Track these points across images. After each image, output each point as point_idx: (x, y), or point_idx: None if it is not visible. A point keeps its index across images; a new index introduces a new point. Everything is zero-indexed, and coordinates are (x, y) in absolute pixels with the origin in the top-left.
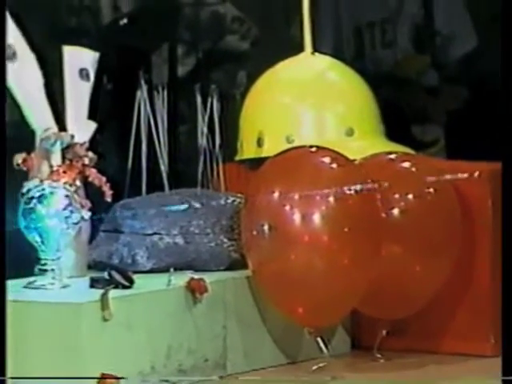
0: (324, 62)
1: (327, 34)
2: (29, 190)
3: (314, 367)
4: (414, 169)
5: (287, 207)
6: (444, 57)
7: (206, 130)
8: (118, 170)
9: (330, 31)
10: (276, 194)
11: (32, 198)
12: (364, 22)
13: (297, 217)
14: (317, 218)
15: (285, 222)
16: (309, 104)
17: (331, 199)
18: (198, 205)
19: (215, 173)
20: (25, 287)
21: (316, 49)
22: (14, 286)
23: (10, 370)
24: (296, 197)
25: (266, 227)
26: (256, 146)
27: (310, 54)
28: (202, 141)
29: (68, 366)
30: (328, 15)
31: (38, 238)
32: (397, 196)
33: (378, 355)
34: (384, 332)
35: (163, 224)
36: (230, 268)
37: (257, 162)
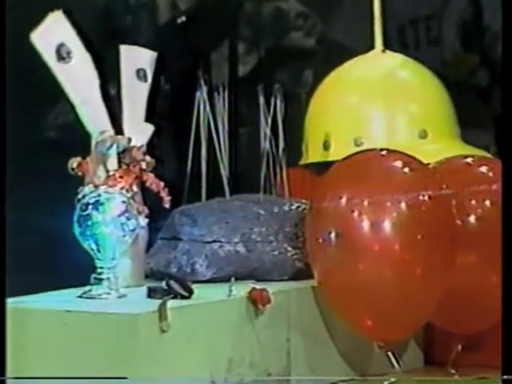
0: (396, 59)
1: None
2: (84, 196)
3: (385, 383)
4: (491, 173)
5: (355, 214)
6: (494, 55)
7: (269, 132)
8: (177, 175)
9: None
10: (343, 200)
11: (87, 204)
12: (407, 19)
13: (366, 224)
14: (387, 225)
15: (353, 230)
16: (379, 104)
17: (403, 205)
18: (260, 211)
19: (278, 177)
20: (79, 297)
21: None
22: (67, 296)
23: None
24: (365, 203)
25: (332, 235)
26: (322, 149)
27: (380, 52)
28: (265, 144)
29: (123, 374)
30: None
31: (93, 246)
32: (473, 202)
33: (453, 371)
34: (459, 347)
35: (224, 231)
36: (294, 278)
37: (323, 167)
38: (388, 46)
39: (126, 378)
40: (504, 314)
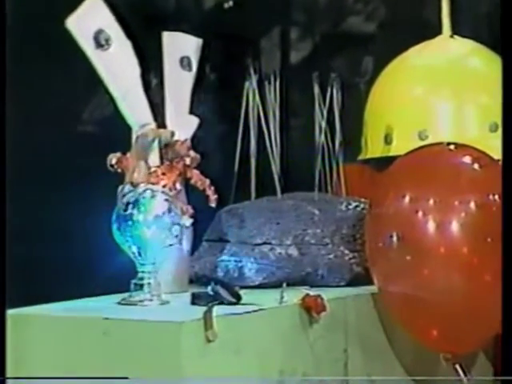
0: (465, 46)
1: (463, 15)
2: (124, 195)
3: None
4: None
5: (420, 214)
6: None
7: (324, 124)
8: (224, 172)
9: (467, 12)
10: (407, 199)
11: (127, 203)
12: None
13: (431, 226)
14: (454, 226)
15: (417, 232)
16: (446, 95)
17: (472, 205)
18: (314, 211)
19: (335, 174)
20: (118, 303)
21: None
22: (106, 302)
23: None
24: (430, 202)
25: (394, 237)
26: (383, 143)
27: (448, 37)
28: (320, 137)
29: None
30: None
31: (134, 249)
32: None
33: None
34: None
35: (274, 232)
36: (351, 283)
37: (384, 162)
38: (486, 31)
39: (126, 378)
40: (504, 315)
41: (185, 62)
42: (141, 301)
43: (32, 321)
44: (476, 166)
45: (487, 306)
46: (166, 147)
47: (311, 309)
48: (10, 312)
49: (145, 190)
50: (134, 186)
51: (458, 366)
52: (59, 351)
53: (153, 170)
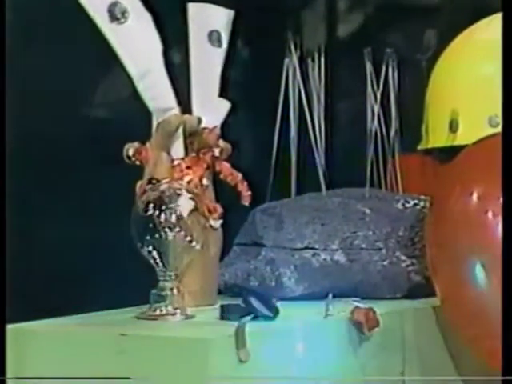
0: None
1: None
2: (143, 192)
3: None
4: None
5: (490, 215)
6: None
7: (377, 109)
8: (259, 165)
9: None
10: (475, 197)
11: (148, 202)
12: None
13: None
14: None
15: (486, 235)
16: None
17: None
18: (365, 210)
19: (390, 167)
20: (137, 318)
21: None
22: (123, 316)
23: None
24: (502, 200)
25: (460, 241)
26: (448, 130)
27: None
28: (373, 124)
29: None
30: None
31: (154, 254)
32: None
33: None
34: None
35: (318, 235)
36: (409, 295)
37: (448, 153)
38: None
39: (129, 378)
40: (504, 314)
41: (214, 37)
42: (162, 315)
43: (36, 336)
44: None
45: None
46: (192, 136)
47: (362, 324)
48: (10, 327)
49: (167, 187)
50: (155, 181)
51: None
52: (67, 371)
53: (176, 162)
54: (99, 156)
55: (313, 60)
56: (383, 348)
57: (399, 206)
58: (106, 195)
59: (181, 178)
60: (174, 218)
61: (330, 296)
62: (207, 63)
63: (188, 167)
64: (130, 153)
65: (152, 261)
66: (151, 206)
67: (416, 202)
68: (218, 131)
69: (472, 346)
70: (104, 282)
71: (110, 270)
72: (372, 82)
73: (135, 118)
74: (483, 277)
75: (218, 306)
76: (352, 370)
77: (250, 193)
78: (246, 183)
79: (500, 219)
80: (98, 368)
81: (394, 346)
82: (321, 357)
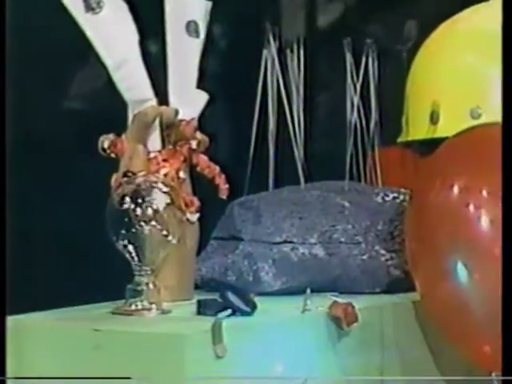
0: None
1: None
2: (119, 185)
3: None
4: None
5: (471, 208)
6: None
7: (357, 100)
8: (236, 157)
9: None
10: (456, 190)
11: (123, 195)
12: None
13: (484, 222)
14: None
15: (467, 229)
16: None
17: None
18: (344, 203)
19: (369, 160)
20: (113, 313)
21: None
22: (97, 311)
23: None
24: (484, 194)
25: (440, 235)
26: (428, 122)
27: None
28: (353, 116)
29: None
30: None
31: (130, 248)
32: None
33: None
34: None
35: (297, 229)
36: (388, 290)
37: (429, 145)
38: None
39: (129, 378)
40: (504, 314)
41: (191, 28)
42: (138, 310)
43: (10, 332)
44: None
45: None
46: (169, 128)
47: (340, 319)
48: None
49: (143, 180)
50: (131, 174)
51: None
52: (42, 366)
53: (153, 155)
54: (74, 148)
55: (292, 51)
56: (362, 343)
57: (379, 199)
58: (81, 188)
59: (157, 171)
60: (150, 212)
61: (309, 291)
62: (184, 54)
63: (164, 160)
64: (105, 145)
65: (127, 255)
66: (127, 199)
67: (396, 195)
68: (195, 123)
69: (453, 341)
70: (79, 276)
71: (85, 264)
72: (352, 73)
73: (110, 110)
74: (464, 271)
75: (194, 300)
76: (331, 366)
77: (227, 186)
78: (223, 176)
79: (482, 212)
80: (74, 363)
81: (373, 341)
82: (299, 352)
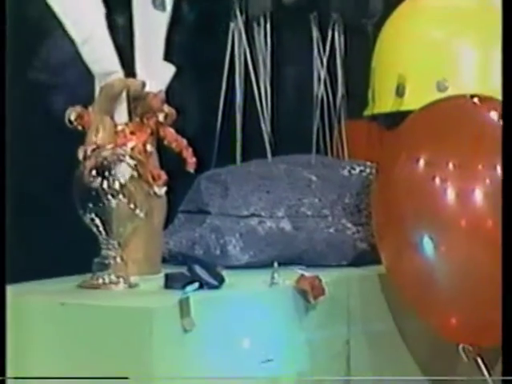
0: None
1: None
2: (85, 158)
3: None
4: None
5: (437, 181)
6: None
7: (324, 74)
8: (204, 130)
9: None
10: (421, 163)
11: (90, 168)
12: None
13: (450, 195)
14: (478, 195)
15: (433, 202)
16: (470, 38)
17: (498, 170)
18: (311, 177)
19: (336, 133)
20: (79, 286)
21: None
22: (64, 285)
23: None
24: (450, 167)
25: (406, 208)
26: (394, 95)
27: None
28: (319, 89)
29: None
30: None
31: (97, 222)
32: None
33: None
34: None
35: (264, 203)
36: (355, 263)
37: (395, 118)
38: None
39: (127, 378)
40: (503, 313)
41: (158, 1)
42: (105, 283)
43: None
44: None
45: None
46: (136, 100)
47: (307, 292)
48: None
49: (110, 153)
50: (97, 147)
51: (479, 361)
52: (16, 339)
53: (119, 128)
54: (38, 120)
55: (258, 24)
56: (329, 316)
57: (345, 172)
58: (48, 160)
59: (124, 144)
60: (117, 185)
61: (276, 264)
62: (151, 27)
63: (132, 133)
64: (72, 117)
65: (95, 229)
66: (93, 172)
67: (362, 168)
68: (162, 96)
69: (419, 314)
70: (45, 249)
71: (52, 237)
72: (318, 47)
73: (77, 82)
74: (430, 244)
75: (162, 274)
76: (298, 339)
77: (194, 159)
78: (190, 149)
79: (448, 185)
80: (40, 337)
81: (340, 314)
82: (266, 325)
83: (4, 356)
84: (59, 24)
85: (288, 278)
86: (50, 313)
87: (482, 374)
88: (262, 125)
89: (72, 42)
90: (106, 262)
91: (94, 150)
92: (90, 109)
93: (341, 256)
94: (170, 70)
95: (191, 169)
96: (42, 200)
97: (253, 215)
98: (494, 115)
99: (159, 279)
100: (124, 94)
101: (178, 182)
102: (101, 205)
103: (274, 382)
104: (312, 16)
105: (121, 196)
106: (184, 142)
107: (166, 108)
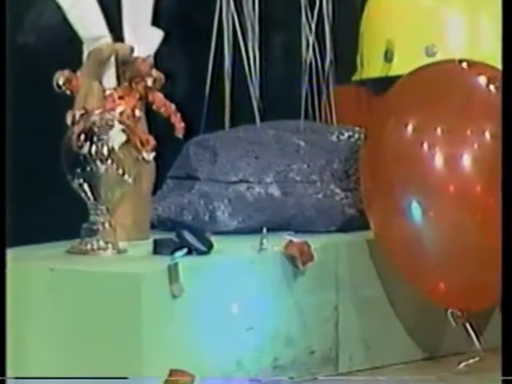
0: None
1: None
2: (73, 123)
3: (461, 365)
4: None
5: (425, 146)
6: None
7: (312, 39)
8: (192, 95)
9: None
10: (410, 128)
11: (79, 133)
12: None
13: (438, 160)
14: (466, 161)
15: (422, 167)
16: (458, 4)
17: (487, 135)
18: (300, 142)
19: (324, 98)
20: (68, 252)
21: None
22: (52, 250)
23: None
24: (438, 132)
25: (394, 174)
26: (383, 60)
27: None
28: (308, 54)
29: (124, 357)
30: None
31: (86, 187)
32: None
33: None
34: None
35: (253, 169)
36: (343, 228)
37: (383, 83)
38: None
39: (126, 378)
40: (503, 313)
41: None
42: (93, 249)
43: None
44: (492, 87)
45: None
46: (124, 65)
47: (296, 258)
48: None
49: (99, 118)
50: (86, 112)
51: (468, 325)
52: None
53: (108, 92)
54: (27, 83)
55: None
56: (317, 282)
57: (334, 138)
58: (36, 125)
59: (113, 109)
60: (105, 150)
61: (265, 230)
62: None
63: (120, 97)
64: (60, 81)
65: (83, 194)
66: (82, 137)
67: (350, 134)
68: (151, 60)
69: (408, 279)
70: (34, 215)
71: (40, 202)
72: (306, 12)
73: (65, 46)
74: (418, 209)
75: (150, 240)
76: (286, 305)
77: (183, 124)
78: (179, 115)
79: (436, 150)
80: (29, 303)
81: (328, 280)
82: (255, 291)
83: (4, 356)
84: None
85: (276, 243)
86: (39, 278)
87: (471, 339)
88: (251, 90)
89: (59, 7)
90: (95, 227)
91: (82, 115)
92: (79, 73)
93: (329, 222)
94: (158, 35)
95: (180, 134)
96: (29, 166)
97: (241, 181)
98: (483, 80)
99: (148, 245)
100: (112, 59)
101: (167, 148)
102: (89, 170)
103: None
104: None
105: (109, 161)
106: (173, 107)
107: (155, 73)
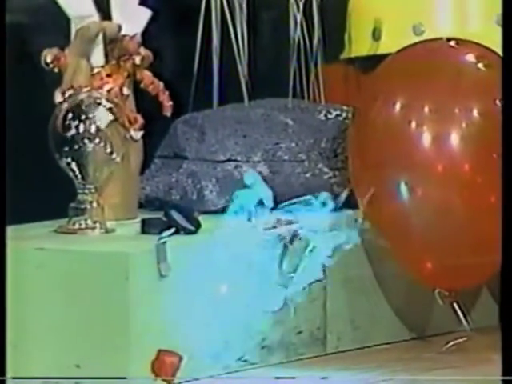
0: None
1: None
2: (61, 101)
3: (449, 345)
4: None
5: (413, 125)
6: None
7: (300, 17)
8: (180, 74)
9: None
10: (398, 107)
11: (66, 111)
12: None
13: (426, 138)
14: (454, 139)
15: (410, 146)
16: None
17: (475, 113)
18: (288, 121)
19: (312, 76)
20: (55, 231)
21: None
22: (40, 230)
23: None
24: (426, 110)
25: (383, 152)
26: (370, 38)
27: None
28: (296, 33)
29: (112, 336)
30: None
31: (73, 165)
32: None
33: None
34: None
35: (241, 147)
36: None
37: (371, 62)
38: None
39: (124, 378)
40: (503, 313)
41: None
42: (81, 228)
43: None
44: (480, 65)
45: (492, 233)
46: (112, 43)
47: (284, 237)
48: None
49: (86, 96)
50: (74, 90)
51: (455, 305)
52: None
53: (96, 70)
54: (15, 61)
55: None
56: (305, 261)
57: (322, 116)
58: (23, 103)
59: (101, 87)
60: (93, 129)
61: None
62: None
63: (108, 75)
64: (48, 59)
65: (71, 173)
66: (69, 115)
67: (338, 112)
68: (138, 38)
69: (396, 258)
70: (21, 194)
71: (28, 182)
72: None
73: (53, 24)
74: (406, 188)
75: (138, 219)
76: (273, 284)
77: (171, 103)
78: (167, 93)
79: (424, 129)
80: (18, 282)
81: (316, 259)
82: (243, 270)
83: (4, 356)
84: None
85: (265, 222)
86: (27, 257)
87: (458, 319)
88: (239, 68)
89: None
90: (83, 206)
91: (70, 94)
92: (67, 51)
93: None
94: (145, 13)
95: (168, 112)
96: (16, 144)
97: (229, 160)
98: (471, 58)
99: (136, 224)
100: (100, 37)
101: (155, 127)
102: (77, 149)
103: None
104: None
105: (97, 140)
106: (161, 85)
107: (143, 51)
